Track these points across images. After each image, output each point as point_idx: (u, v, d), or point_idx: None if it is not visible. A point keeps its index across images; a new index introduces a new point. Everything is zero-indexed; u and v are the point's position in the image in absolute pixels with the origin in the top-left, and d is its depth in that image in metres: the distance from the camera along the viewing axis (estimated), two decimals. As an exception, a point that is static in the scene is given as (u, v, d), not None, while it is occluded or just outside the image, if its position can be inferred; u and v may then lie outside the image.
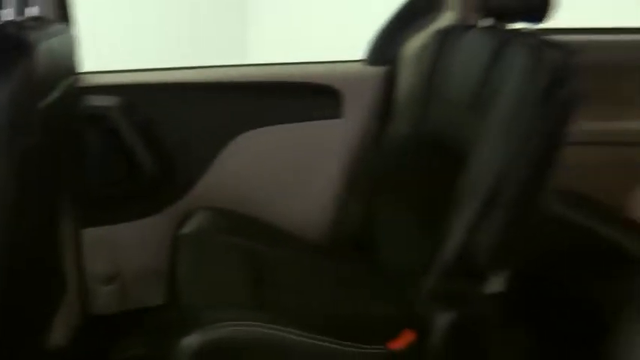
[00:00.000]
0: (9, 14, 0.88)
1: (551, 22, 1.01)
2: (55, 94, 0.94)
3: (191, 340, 0.89)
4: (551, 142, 0.93)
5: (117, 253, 1.43)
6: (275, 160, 1.46)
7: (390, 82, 1.43)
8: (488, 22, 1.13)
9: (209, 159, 1.42)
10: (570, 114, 0.92)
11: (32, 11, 0.98)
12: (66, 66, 1.08)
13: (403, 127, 1.29)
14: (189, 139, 1.41)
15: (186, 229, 1.22)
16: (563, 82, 0.91)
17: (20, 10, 0.92)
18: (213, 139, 1.42)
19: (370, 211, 1.35)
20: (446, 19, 1.37)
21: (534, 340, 1.37)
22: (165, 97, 1.39)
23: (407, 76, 1.36)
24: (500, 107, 0.97)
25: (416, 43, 1.36)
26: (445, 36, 1.21)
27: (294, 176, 1.47)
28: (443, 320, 1.02)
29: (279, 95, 1.44)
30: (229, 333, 0.90)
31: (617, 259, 1.20)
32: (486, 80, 1.03)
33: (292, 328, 0.95)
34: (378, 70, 1.45)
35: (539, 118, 0.91)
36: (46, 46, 0.89)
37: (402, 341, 1.02)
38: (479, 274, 1.02)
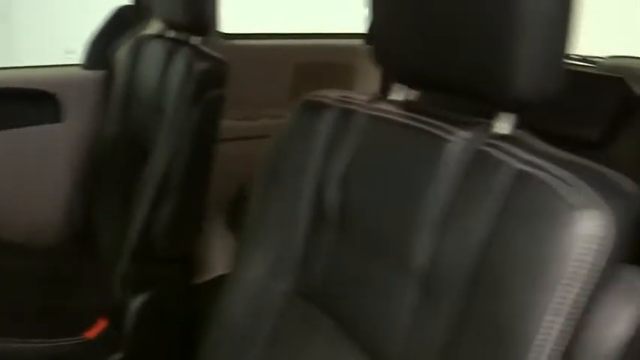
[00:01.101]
0: None
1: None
2: None
3: None
4: (205, 137, 1.09)
5: None
6: None
7: (107, 85, 1.49)
8: (171, 33, 1.26)
9: None
10: (218, 113, 1.09)
11: None
12: None
13: (113, 127, 1.36)
14: None
15: None
16: (209, 87, 1.06)
17: None
18: None
19: (93, 208, 1.41)
20: (152, 28, 1.48)
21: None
22: None
23: (118, 80, 1.43)
24: (168, 108, 1.11)
25: (126, 49, 1.44)
26: (139, 44, 1.31)
27: (16, 183, 1.45)
28: (134, 304, 1.12)
29: None
30: None
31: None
32: (160, 84, 1.16)
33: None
34: (95, 74, 1.50)
35: (192, 116, 1.06)
36: None
37: (97, 329, 1.11)
38: (161, 257, 1.15)
